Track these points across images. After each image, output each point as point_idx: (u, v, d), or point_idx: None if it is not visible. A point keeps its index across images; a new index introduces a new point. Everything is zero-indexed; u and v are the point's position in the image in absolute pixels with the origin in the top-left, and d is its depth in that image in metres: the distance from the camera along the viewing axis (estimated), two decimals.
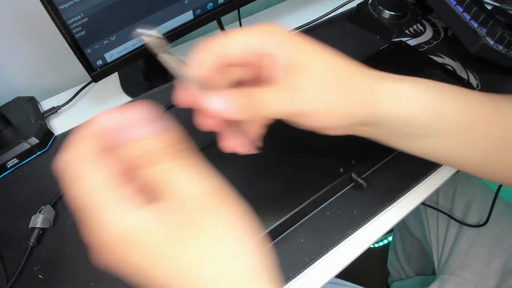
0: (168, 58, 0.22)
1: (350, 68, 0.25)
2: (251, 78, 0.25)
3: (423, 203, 0.43)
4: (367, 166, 0.41)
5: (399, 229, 0.86)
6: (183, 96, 0.24)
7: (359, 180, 0.39)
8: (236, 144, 0.26)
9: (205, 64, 0.23)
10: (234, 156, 0.40)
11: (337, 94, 0.23)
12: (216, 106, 0.22)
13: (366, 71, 0.26)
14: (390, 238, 1.05)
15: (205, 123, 0.25)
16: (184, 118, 0.51)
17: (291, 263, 0.36)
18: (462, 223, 0.58)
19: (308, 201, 0.37)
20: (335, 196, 0.40)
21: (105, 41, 0.40)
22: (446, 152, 0.28)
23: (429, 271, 0.83)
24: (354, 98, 0.24)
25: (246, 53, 0.23)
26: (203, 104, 0.22)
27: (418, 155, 0.29)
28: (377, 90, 0.25)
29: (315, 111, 0.23)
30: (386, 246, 1.08)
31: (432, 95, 0.26)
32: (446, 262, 0.60)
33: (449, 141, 0.27)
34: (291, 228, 0.38)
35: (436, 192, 0.65)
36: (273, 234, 0.36)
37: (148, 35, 0.21)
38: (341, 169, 0.39)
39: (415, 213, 0.71)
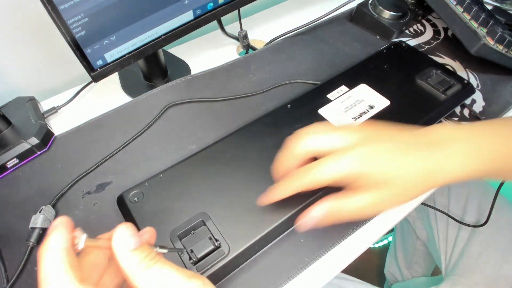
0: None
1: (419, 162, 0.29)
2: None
3: (423, 203, 0.43)
4: None
5: (402, 234, 0.85)
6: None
7: None
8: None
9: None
10: (234, 156, 0.40)
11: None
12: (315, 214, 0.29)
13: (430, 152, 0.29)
14: (390, 238, 1.05)
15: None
16: (184, 119, 0.52)
17: (291, 263, 0.36)
18: (469, 225, 0.58)
19: (308, 201, 0.37)
20: None
21: (105, 41, 0.40)
22: None
23: (429, 274, 0.82)
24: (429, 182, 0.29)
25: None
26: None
27: None
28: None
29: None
30: (386, 246, 1.08)
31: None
32: (456, 264, 0.59)
33: None
34: (291, 228, 0.38)
35: (448, 195, 0.65)
36: (274, 234, 0.36)
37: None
38: None
39: (423, 215, 0.71)
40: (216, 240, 0.33)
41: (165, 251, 0.25)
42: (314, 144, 0.29)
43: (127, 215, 0.36)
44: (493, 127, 0.31)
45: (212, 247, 0.32)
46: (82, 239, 0.22)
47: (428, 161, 0.28)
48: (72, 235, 0.22)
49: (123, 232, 0.22)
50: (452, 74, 0.48)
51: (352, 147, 0.28)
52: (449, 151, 0.28)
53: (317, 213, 0.29)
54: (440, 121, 0.47)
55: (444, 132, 0.30)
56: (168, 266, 0.22)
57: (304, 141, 0.30)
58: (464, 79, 0.47)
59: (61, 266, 0.20)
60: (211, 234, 0.33)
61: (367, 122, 0.33)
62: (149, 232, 0.26)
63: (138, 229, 0.34)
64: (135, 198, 0.36)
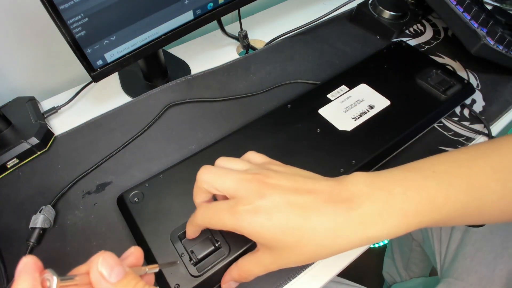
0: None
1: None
2: None
3: None
4: (367, 166, 0.41)
5: None
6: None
7: None
8: None
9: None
10: (234, 156, 0.40)
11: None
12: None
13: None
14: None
15: None
16: (184, 119, 0.51)
17: None
18: (468, 225, 0.58)
19: None
20: None
21: (105, 41, 0.40)
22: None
23: (427, 274, 0.82)
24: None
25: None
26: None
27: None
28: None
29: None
30: (384, 247, 1.08)
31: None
32: (450, 265, 0.59)
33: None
34: None
35: None
36: None
37: None
38: (342, 169, 0.39)
39: None
40: (217, 241, 0.33)
41: (156, 270, 0.23)
42: (211, 184, 0.27)
43: (127, 215, 0.36)
44: (427, 175, 0.26)
45: (212, 247, 0.32)
46: (53, 282, 0.19)
47: (327, 229, 0.24)
48: (42, 278, 0.19)
49: (102, 264, 0.19)
50: (452, 74, 0.48)
51: (246, 197, 0.25)
52: (354, 214, 0.24)
53: (231, 280, 0.30)
54: (433, 126, 0.47)
55: (355, 188, 0.25)
56: None
57: (202, 178, 0.27)
58: (464, 79, 0.47)
59: None
60: (212, 234, 0.33)
61: (274, 164, 0.29)
62: (134, 253, 0.23)
63: (139, 229, 0.34)
64: (135, 198, 0.36)
